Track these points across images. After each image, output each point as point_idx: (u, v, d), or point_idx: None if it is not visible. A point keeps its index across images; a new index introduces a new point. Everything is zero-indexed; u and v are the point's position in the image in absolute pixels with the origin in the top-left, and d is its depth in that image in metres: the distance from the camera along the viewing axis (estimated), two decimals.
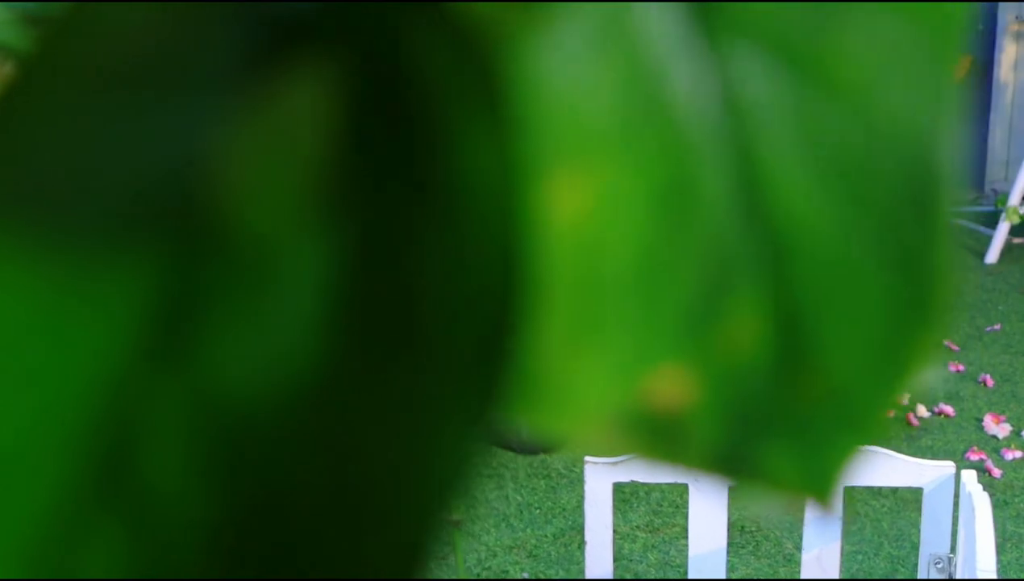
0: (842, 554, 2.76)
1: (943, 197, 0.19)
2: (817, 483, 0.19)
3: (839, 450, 0.19)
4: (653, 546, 2.79)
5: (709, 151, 0.18)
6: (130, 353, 0.15)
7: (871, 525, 2.90)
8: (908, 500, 3.05)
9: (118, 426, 0.15)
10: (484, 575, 2.67)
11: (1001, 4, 7.40)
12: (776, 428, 0.19)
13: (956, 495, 1.48)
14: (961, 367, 4.14)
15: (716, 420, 0.19)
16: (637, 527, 2.89)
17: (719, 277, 0.18)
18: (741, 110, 0.18)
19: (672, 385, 0.19)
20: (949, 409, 3.70)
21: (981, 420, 3.60)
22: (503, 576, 2.65)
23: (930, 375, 0.20)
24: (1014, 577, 2.67)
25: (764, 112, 0.18)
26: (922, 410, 3.69)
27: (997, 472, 3.20)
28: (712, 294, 0.18)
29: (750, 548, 2.79)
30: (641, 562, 2.72)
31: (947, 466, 1.49)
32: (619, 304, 0.18)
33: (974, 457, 3.32)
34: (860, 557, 2.76)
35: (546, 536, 2.84)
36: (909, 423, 3.60)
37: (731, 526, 2.90)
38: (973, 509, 1.27)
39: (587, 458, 1.56)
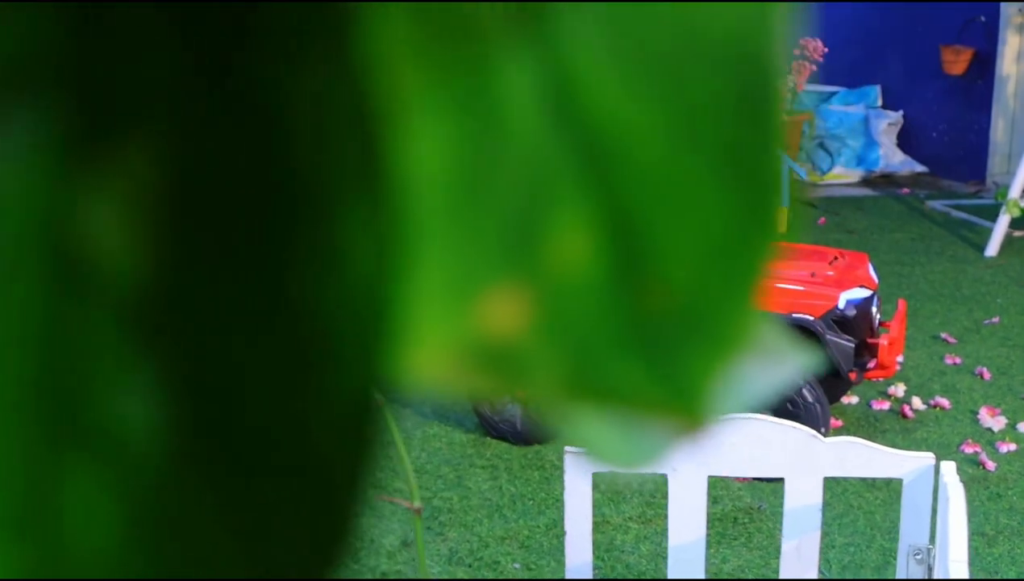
0: (822, 545, 2.76)
1: (773, 97, 0.18)
2: (682, 399, 0.19)
3: (698, 364, 0.18)
4: (645, 537, 2.79)
5: (512, 57, 0.18)
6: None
7: (864, 517, 2.91)
8: (901, 492, 3.05)
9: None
10: (475, 565, 2.68)
11: None
12: (626, 346, 0.18)
13: (936, 487, 1.48)
14: (958, 360, 4.13)
15: (557, 341, 0.18)
16: (630, 518, 2.90)
17: (539, 190, 0.18)
18: (546, 15, 0.18)
19: (504, 308, 0.18)
20: (945, 402, 3.70)
21: (976, 413, 3.60)
22: (494, 567, 2.66)
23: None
24: (1006, 569, 2.67)
25: (573, 13, 0.18)
26: (917, 402, 3.69)
27: (991, 465, 3.19)
28: (534, 208, 0.18)
29: (742, 540, 2.79)
30: (633, 553, 2.72)
31: (926, 457, 1.49)
32: (435, 230, 0.18)
33: (968, 450, 3.32)
34: (852, 549, 2.76)
35: (538, 527, 2.84)
36: (904, 415, 3.60)
37: (724, 518, 2.91)
38: (948, 500, 1.27)
39: (567, 448, 1.56)
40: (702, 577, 1.54)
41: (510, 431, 3.42)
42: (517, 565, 2.67)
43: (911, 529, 1.49)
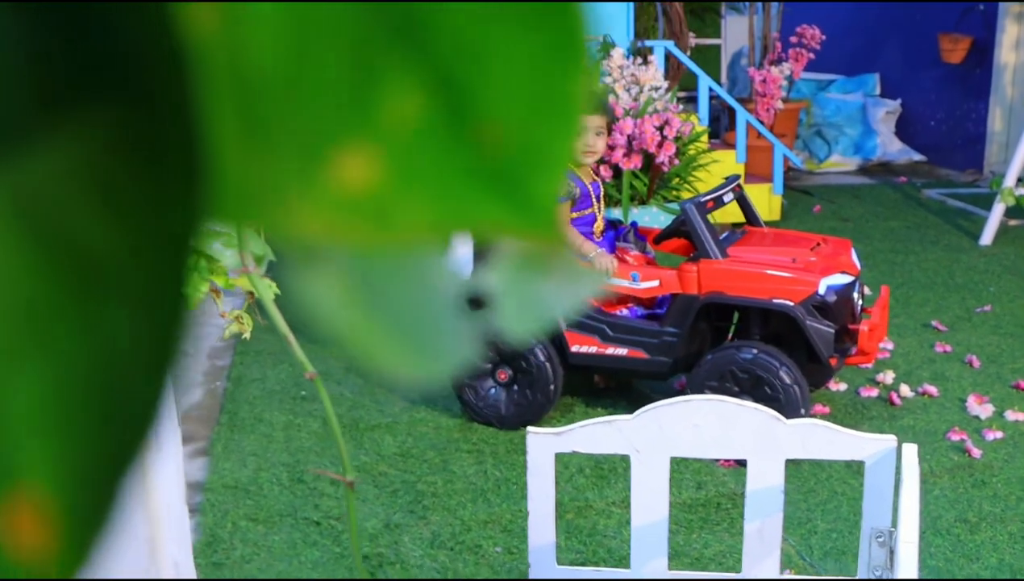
0: (805, 531, 2.76)
1: None
2: (539, 222, 0.21)
3: (542, 187, 0.21)
4: (627, 522, 2.79)
5: None
6: None
7: (848, 504, 2.90)
8: None
9: None
10: (457, 549, 2.68)
11: None
12: (479, 183, 0.21)
13: (898, 469, 1.47)
14: (948, 348, 4.13)
15: (412, 186, 0.21)
16: (613, 503, 2.90)
17: (365, 63, 0.20)
18: None
19: (355, 164, 0.21)
20: (933, 389, 3.69)
21: (964, 401, 3.60)
22: (476, 550, 2.66)
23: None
24: (988, 556, 2.66)
25: None
26: (905, 390, 3.69)
27: (977, 452, 3.19)
28: (364, 79, 0.20)
29: (724, 525, 2.79)
30: (615, 538, 2.73)
31: (888, 440, 1.48)
32: (278, 108, 0.21)
33: (955, 437, 3.31)
34: (835, 536, 2.76)
35: (521, 511, 2.84)
36: (892, 403, 3.60)
37: (707, 503, 2.91)
38: (903, 482, 1.26)
39: (529, 429, 1.56)
40: (665, 558, 1.54)
41: (495, 416, 3.42)
42: (499, 549, 2.68)
43: (873, 512, 1.49)
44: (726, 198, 3.46)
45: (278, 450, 3.29)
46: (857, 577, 1.50)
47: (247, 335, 1.09)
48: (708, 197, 3.36)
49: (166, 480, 0.60)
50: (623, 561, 2.62)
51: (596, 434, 1.44)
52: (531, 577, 1.54)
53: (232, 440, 3.37)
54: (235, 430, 3.45)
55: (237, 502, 2.95)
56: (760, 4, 7.64)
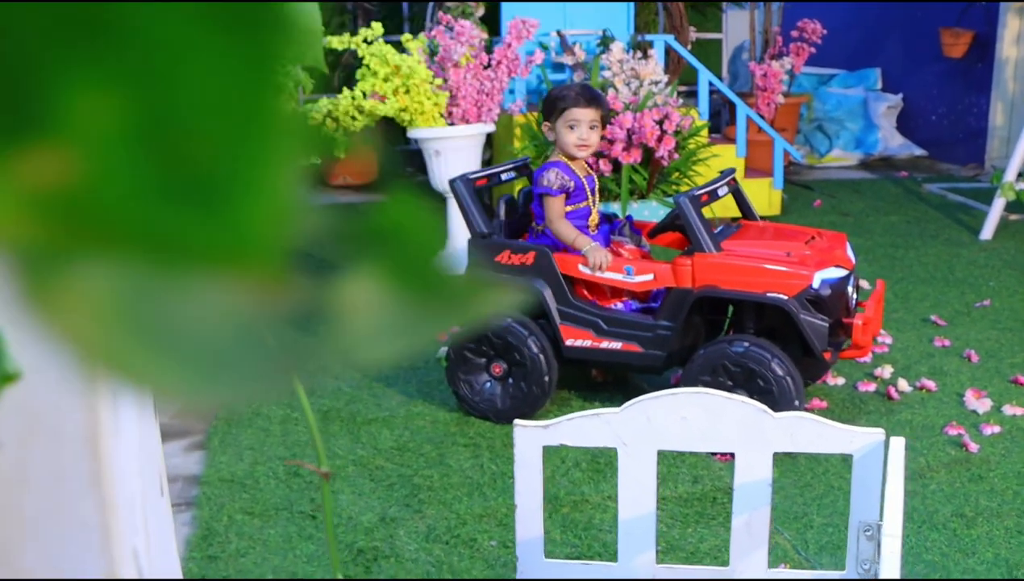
0: (800, 525, 2.76)
1: None
2: (246, 247, 0.21)
3: (252, 213, 0.20)
4: None
5: None
6: None
7: (844, 498, 2.90)
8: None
9: None
10: (452, 542, 2.68)
11: None
12: (175, 194, 0.20)
13: (885, 462, 1.47)
14: (947, 342, 4.12)
15: (105, 190, 0.20)
16: (608, 497, 2.89)
17: (48, 64, 0.19)
18: None
19: (45, 162, 0.20)
20: (931, 384, 3.69)
21: (962, 395, 3.59)
22: (471, 544, 2.66)
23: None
24: (984, 550, 2.66)
25: None
26: (903, 384, 3.68)
27: (974, 447, 3.19)
28: (41, 80, 0.19)
29: (720, 519, 2.79)
30: (611, 532, 2.72)
31: (876, 433, 1.48)
32: None
33: (952, 432, 3.31)
34: (831, 530, 2.75)
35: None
36: (889, 397, 3.59)
37: (703, 497, 2.90)
38: (889, 476, 1.26)
39: (517, 422, 1.55)
40: (652, 551, 1.53)
41: (491, 410, 3.42)
42: (494, 543, 2.68)
43: (861, 505, 1.48)
44: (720, 192, 3.45)
45: (275, 444, 3.29)
46: (845, 571, 1.50)
47: None
48: (702, 191, 3.35)
49: (125, 465, 0.60)
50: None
51: (584, 427, 1.44)
52: (519, 570, 1.53)
53: (229, 434, 3.38)
54: (232, 424, 3.45)
55: (233, 496, 2.95)
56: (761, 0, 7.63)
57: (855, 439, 1.44)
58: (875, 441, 1.45)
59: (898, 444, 1.39)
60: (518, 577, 1.62)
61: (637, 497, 1.48)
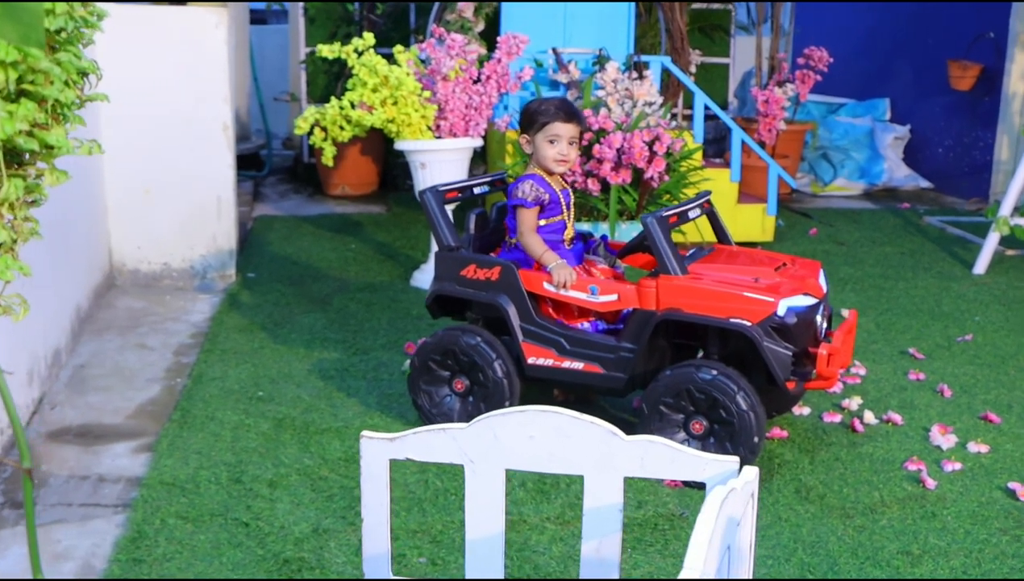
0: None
1: None
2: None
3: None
4: (560, 539, 2.74)
5: None
6: None
7: (790, 531, 2.84)
8: (833, 507, 2.98)
9: None
10: None
11: (1013, 14, 7.24)
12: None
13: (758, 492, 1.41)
14: (922, 376, 4.05)
15: None
16: (547, 518, 2.85)
17: None
18: None
19: None
20: (897, 417, 3.62)
21: (928, 430, 3.52)
22: (400, 560, 2.62)
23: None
24: None
25: None
26: (870, 417, 3.61)
27: (932, 483, 3.12)
28: None
29: (658, 547, 2.73)
30: (544, 554, 2.67)
31: (730, 461, 1.42)
32: None
33: (912, 467, 3.24)
34: (771, 562, 2.69)
35: (453, 522, 2.80)
36: (854, 429, 3.53)
37: (644, 523, 2.85)
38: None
39: (363, 433, 1.51)
40: (501, 571, 1.48)
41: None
42: (423, 560, 2.63)
43: (724, 533, 1.43)
44: (692, 214, 3.40)
45: (223, 449, 3.26)
46: None
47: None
48: (672, 212, 3.30)
49: None
50: (551, 575, 2.56)
51: (430, 441, 1.40)
52: None
53: (179, 437, 3.35)
54: (184, 427, 3.43)
55: (171, 499, 2.93)
56: (768, 25, 7.58)
57: (708, 467, 1.39)
58: (729, 469, 1.39)
59: (750, 473, 1.34)
60: None
61: (485, 516, 1.43)
